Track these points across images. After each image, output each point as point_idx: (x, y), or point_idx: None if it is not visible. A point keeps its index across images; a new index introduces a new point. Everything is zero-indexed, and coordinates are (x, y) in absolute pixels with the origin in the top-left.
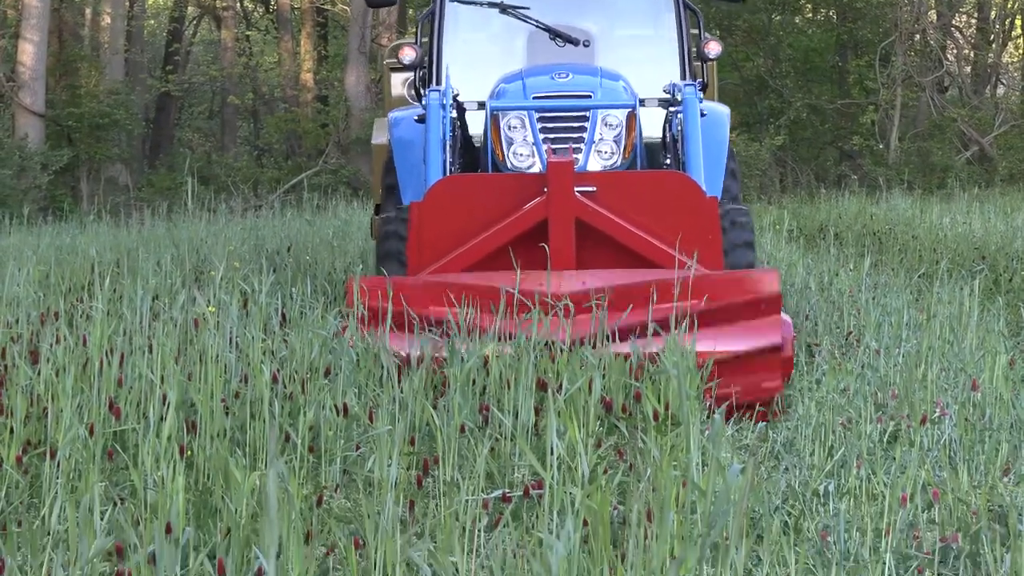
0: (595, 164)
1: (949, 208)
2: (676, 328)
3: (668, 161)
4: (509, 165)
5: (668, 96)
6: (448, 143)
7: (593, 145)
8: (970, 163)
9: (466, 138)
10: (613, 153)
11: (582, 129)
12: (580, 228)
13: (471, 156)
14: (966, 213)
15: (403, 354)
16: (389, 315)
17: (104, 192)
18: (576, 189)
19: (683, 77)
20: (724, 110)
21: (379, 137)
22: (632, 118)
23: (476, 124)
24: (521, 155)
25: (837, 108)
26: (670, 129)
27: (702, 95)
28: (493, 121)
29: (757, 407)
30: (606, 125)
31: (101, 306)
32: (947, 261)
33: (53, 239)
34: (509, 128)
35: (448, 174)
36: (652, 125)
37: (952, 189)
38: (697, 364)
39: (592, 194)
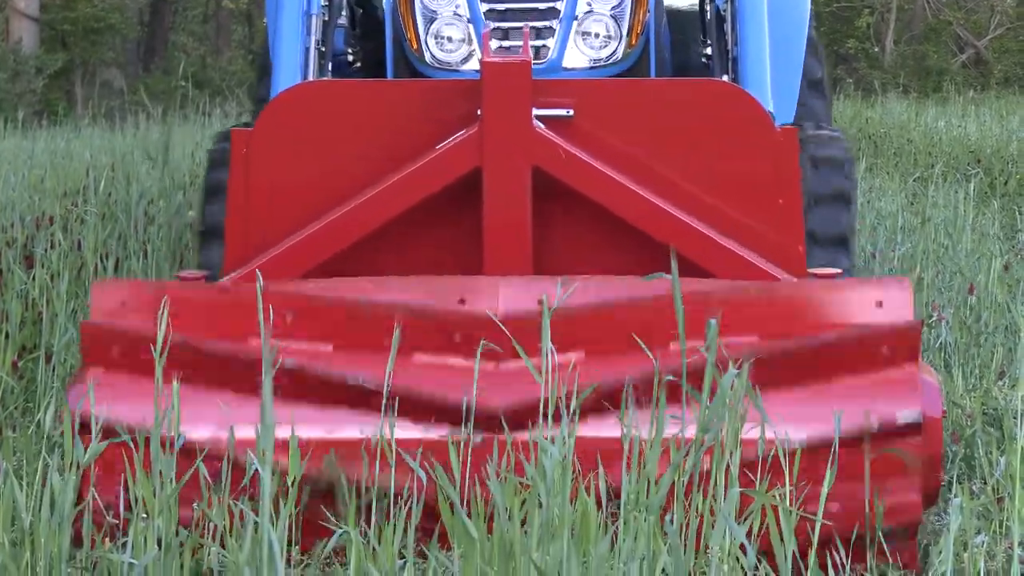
0: (577, 57)
1: (944, 111)
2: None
3: (708, 53)
4: (428, 59)
5: None
6: (320, 17)
7: (574, 23)
8: (965, 66)
9: (372, 10)
10: (610, 37)
11: None
12: (543, 190)
13: (379, 44)
14: (961, 116)
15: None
16: (159, 367)
17: (99, 96)
18: (538, 112)
19: None
20: None
21: None
22: None
23: None
24: (449, 41)
25: (832, 11)
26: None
27: None
28: None
29: (878, 544)
30: None
31: (95, 210)
32: (942, 164)
33: (48, 143)
34: None
35: (313, 76)
36: None
37: (947, 92)
38: (758, 467)
39: (567, 121)
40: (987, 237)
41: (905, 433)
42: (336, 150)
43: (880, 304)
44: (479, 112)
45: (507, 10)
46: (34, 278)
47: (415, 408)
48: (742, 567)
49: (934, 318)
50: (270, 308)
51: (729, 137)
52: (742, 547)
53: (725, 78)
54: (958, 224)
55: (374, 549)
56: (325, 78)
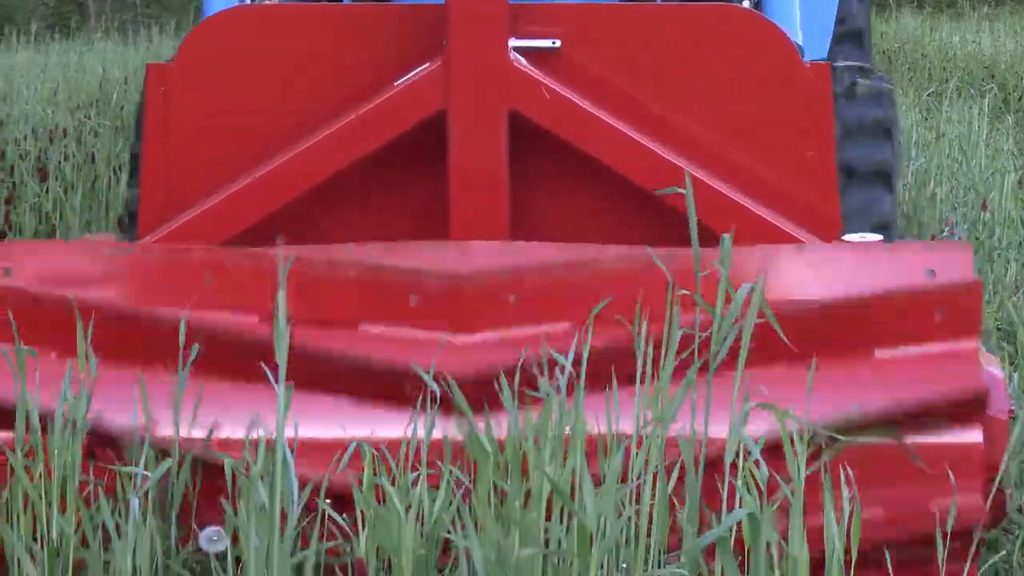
0: None
1: (959, 26)
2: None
3: None
4: None
5: None
6: None
7: None
8: None
9: None
10: None
11: None
12: (522, 138)
13: None
14: (976, 32)
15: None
16: None
17: (111, 9)
18: (516, 44)
19: None
20: None
21: None
22: None
23: None
24: None
25: None
26: None
27: None
28: None
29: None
30: None
31: (109, 123)
32: (956, 80)
33: (60, 56)
34: None
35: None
36: None
37: (962, 7)
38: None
39: (552, 54)
40: (1001, 153)
41: (971, 405)
42: (272, 88)
43: (932, 267)
44: (444, 43)
45: None
46: (47, 191)
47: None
48: (754, 478)
49: (946, 233)
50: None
51: (748, 74)
52: (756, 463)
53: (745, 3)
54: (972, 140)
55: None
56: (264, 0)
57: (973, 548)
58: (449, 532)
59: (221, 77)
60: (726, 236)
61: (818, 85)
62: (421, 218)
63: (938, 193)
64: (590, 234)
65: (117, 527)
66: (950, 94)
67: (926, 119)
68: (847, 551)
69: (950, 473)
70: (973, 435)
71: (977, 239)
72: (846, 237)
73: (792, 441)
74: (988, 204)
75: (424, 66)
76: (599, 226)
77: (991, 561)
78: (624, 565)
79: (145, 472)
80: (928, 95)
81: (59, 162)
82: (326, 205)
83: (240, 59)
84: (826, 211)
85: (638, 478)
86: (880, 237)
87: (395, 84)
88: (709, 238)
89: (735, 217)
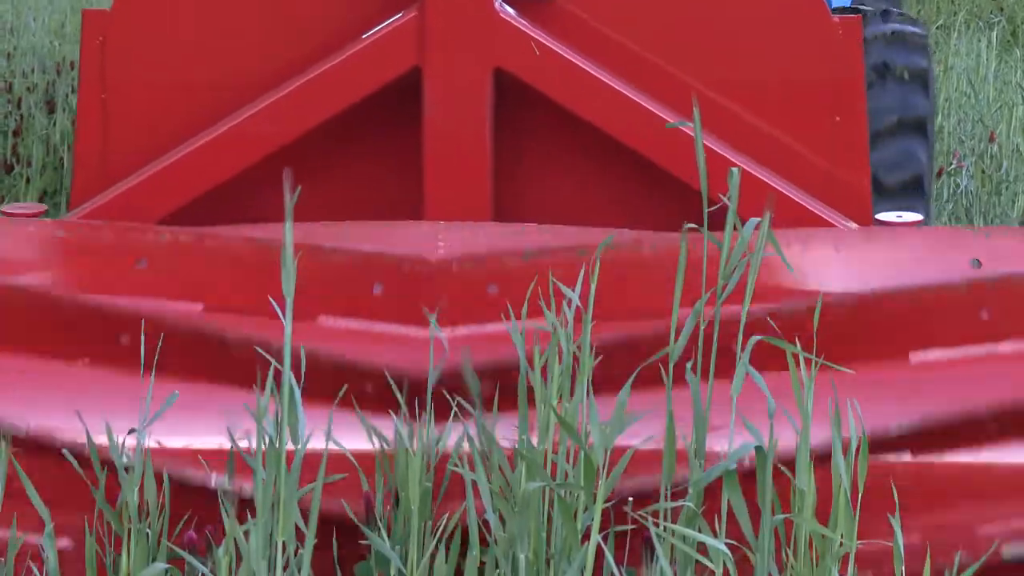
0: None
1: None
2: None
3: None
4: None
5: None
6: None
7: None
8: None
9: None
10: None
11: None
12: (509, 101)
13: None
14: None
15: None
16: None
17: None
18: None
19: None
20: None
21: None
22: None
23: None
24: None
25: None
26: None
27: None
28: None
29: None
30: None
31: None
32: (964, 13)
33: None
34: None
35: None
36: None
37: None
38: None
39: (544, 5)
40: (1009, 86)
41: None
42: (223, 43)
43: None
44: None
45: None
46: (55, 123)
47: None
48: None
49: (954, 166)
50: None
51: (767, 29)
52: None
53: None
54: (980, 73)
55: None
56: None
57: None
58: (456, 465)
59: (166, 27)
60: (734, 170)
61: (847, 41)
62: (391, 194)
63: (946, 126)
64: (587, 212)
65: None
66: (958, 27)
67: (934, 52)
68: None
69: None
70: None
71: (984, 172)
72: (880, 216)
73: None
74: (996, 137)
75: (397, 16)
76: (597, 203)
77: None
78: (631, 499)
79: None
80: (936, 28)
81: (67, 95)
82: (281, 177)
83: (188, 7)
84: (855, 184)
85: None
86: (919, 217)
87: (363, 37)
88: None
89: (751, 191)
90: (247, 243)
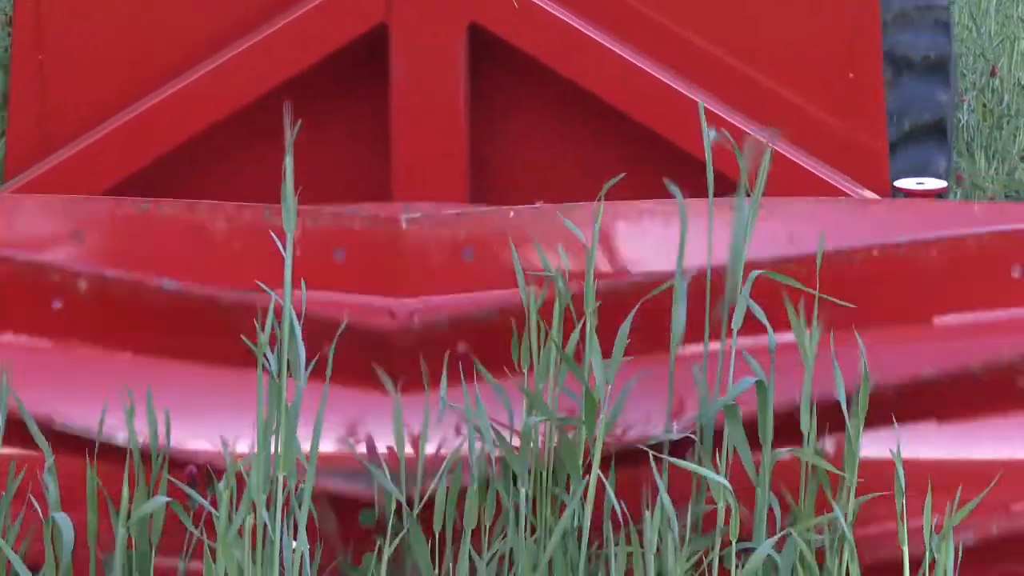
0: None
1: None
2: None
3: None
4: None
5: None
6: None
7: None
8: None
9: None
10: None
11: None
12: (486, 62)
13: None
14: None
15: None
16: None
17: None
18: None
19: None
20: None
21: None
22: None
23: None
24: None
25: None
26: None
27: None
28: None
29: None
30: None
31: None
32: None
33: None
34: None
35: None
36: None
37: None
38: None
39: None
40: (1011, 20)
41: None
42: None
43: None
44: None
45: None
46: None
47: None
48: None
49: (956, 101)
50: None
51: None
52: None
53: None
54: (982, 7)
55: None
56: None
57: None
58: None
59: None
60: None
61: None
62: (354, 168)
63: None
64: (573, 184)
65: None
66: None
67: None
68: None
69: None
70: None
71: (985, 106)
72: (900, 183)
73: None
74: (997, 71)
75: None
76: (584, 172)
77: None
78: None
79: None
80: None
81: None
82: (233, 147)
83: None
84: (870, 147)
85: None
86: (943, 184)
87: None
88: (725, 185)
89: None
90: (191, 212)
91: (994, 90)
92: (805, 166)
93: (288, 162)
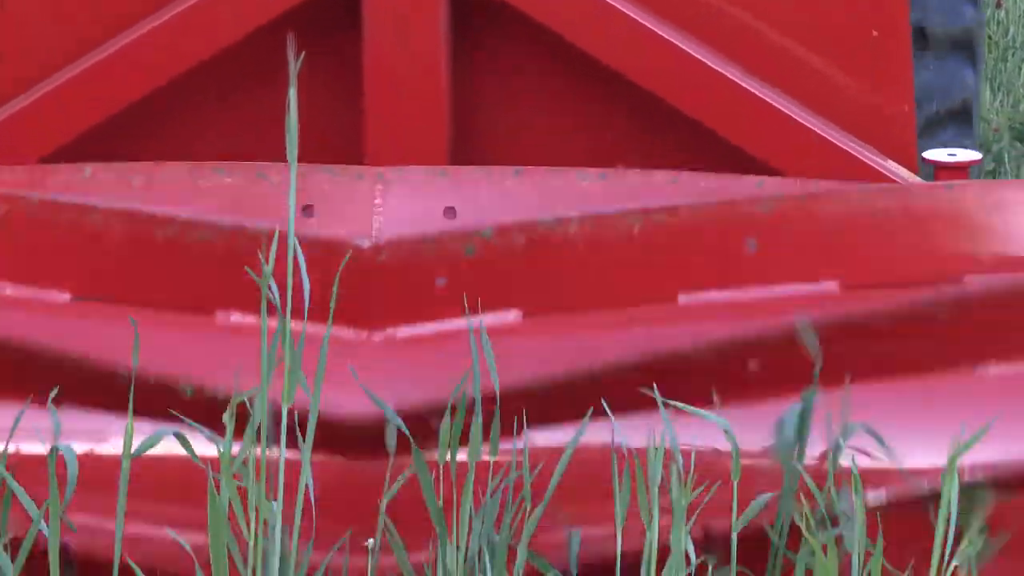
0: None
1: None
2: None
3: None
4: None
5: None
6: None
7: None
8: None
9: None
10: None
11: None
12: (469, 19)
13: None
14: None
15: None
16: None
17: None
18: None
19: None
20: None
21: None
22: None
23: None
24: None
25: None
26: None
27: None
28: None
29: None
30: None
31: None
32: None
33: None
34: None
35: None
36: None
37: None
38: None
39: None
40: None
41: None
42: None
43: None
44: None
45: None
46: None
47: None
48: None
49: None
50: None
51: None
52: None
53: None
54: None
55: None
56: None
57: None
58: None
59: None
60: None
61: None
62: (329, 131)
63: None
64: (562, 150)
65: None
66: None
67: None
68: None
69: None
70: None
71: (991, 39)
72: (928, 154)
73: None
74: (1003, 2)
75: None
76: (581, 147)
77: None
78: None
79: None
80: None
81: None
82: (188, 108)
83: None
84: (895, 113)
85: None
86: (978, 156)
87: None
88: (742, 159)
89: (779, 133)
90: (121, 219)
91: (999, 22)
92: (835, 140)
93: (292, 94)
